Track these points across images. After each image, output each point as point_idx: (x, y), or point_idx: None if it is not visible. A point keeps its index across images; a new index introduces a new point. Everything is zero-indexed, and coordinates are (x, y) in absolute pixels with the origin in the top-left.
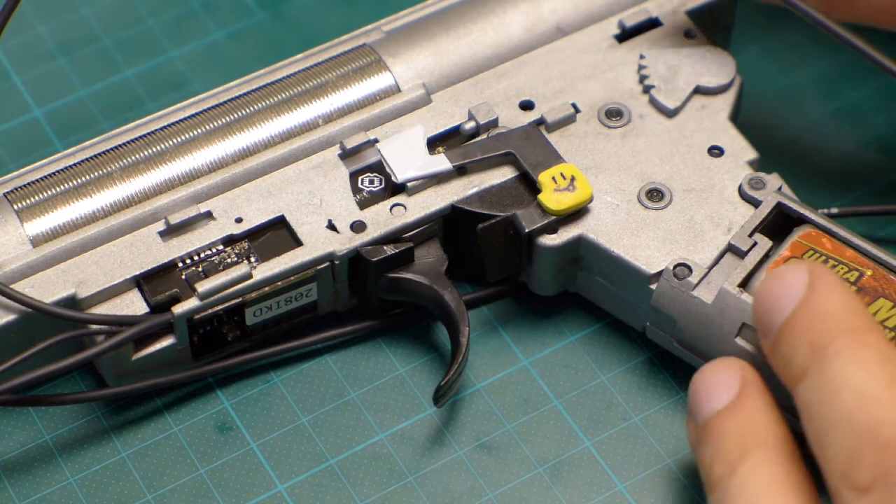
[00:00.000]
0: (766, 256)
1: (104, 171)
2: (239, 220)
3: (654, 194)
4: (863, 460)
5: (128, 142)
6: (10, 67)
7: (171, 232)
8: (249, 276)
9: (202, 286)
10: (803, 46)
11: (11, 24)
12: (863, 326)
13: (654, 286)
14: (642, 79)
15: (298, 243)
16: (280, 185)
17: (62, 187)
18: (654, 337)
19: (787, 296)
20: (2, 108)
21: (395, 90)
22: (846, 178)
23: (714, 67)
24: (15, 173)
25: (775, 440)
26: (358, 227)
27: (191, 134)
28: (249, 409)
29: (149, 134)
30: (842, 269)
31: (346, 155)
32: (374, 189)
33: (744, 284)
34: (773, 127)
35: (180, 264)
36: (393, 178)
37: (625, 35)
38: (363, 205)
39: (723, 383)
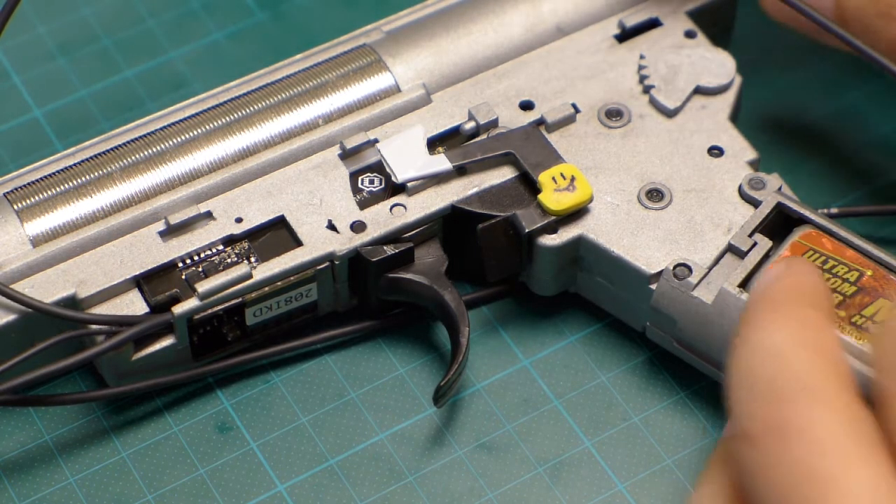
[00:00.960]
0: (766, 256)
1: (104, 171)
2: (239, 220)
3: (654, 194)
4: (757, 409)
5: (128, 142)
6: (10, 67)
7: (171, 232)
8: (249, 276)
9: (202, 286)
10: (803, 46)
11: (11, 24)
12: (819, 310)
13: (654, 286)
14: (642, 79)
15: (298, 243)
16: (280, 185)
17: (62, 187)
18: (654, 337)
19: (774, 275)
20: (2, 108)
21: (395, 90)
22: (846, 178)
23: (714, 67)
24: (15, 173)
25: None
26: (358, 227)
27: (191, 134)
28: (249, 409)
29: (149, 134)
30: (842, 269)
31: (346, 155)
32: (374, 189)
33: (744, 285)
34: (773, 127)
35: (180, 264)
36: (393, 178)
37: (625, 35)
38: (363, 205)
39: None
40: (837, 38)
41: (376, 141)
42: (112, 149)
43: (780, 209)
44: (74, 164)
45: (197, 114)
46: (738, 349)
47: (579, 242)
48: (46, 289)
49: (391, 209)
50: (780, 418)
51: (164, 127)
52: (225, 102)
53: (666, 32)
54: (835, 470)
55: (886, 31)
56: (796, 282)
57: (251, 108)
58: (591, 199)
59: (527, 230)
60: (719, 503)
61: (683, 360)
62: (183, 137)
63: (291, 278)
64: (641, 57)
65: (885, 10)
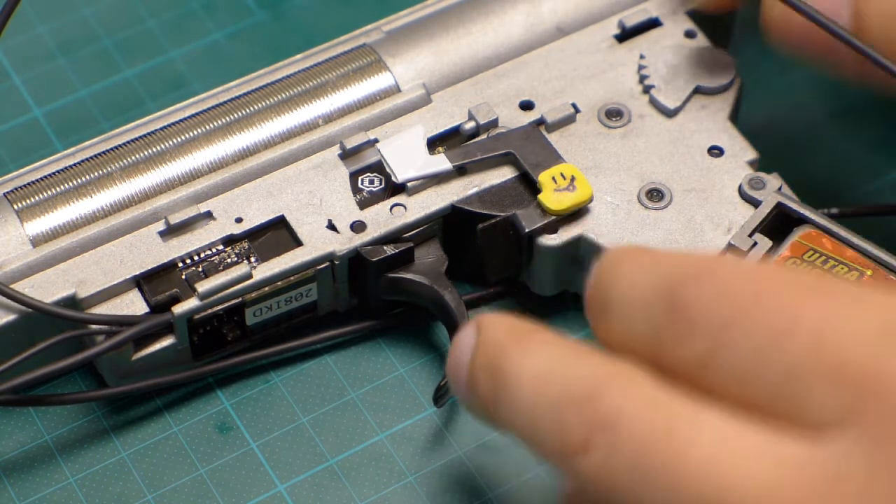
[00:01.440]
0: (767, 256)
1: (104, 171)
2: (239, 220)
3: (654, 194)
4: (569, 422)
5: (128, 142)
6: (10, 67)
7: (171, 232)
8: (249, 276)
9: (202, 286)
10: None
11: (11, 24)
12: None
13: None
14: (642, 79)
15: (298, 243)
16: (280, 185)
17: (62, 187)
18: None
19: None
20: (2, 108)
21: (395, 90)
22: (846, 178)
23: (714, 67)
24: (15, 173)
25: (519, 331)
26: (358, 227)
27: (191, 134)
28: (249, 409)
29: (149, 134)
30: (842, 269)
31: (346, 155)
32: (374, 189)
33: None
34: (773, 127)
35: (180, 264)
36: (393, 178)
37: (625, 35)
38: (363, 205)
39: (463, 347)
40: (850, 49)
41: (376, 141)
42: (112, 149)
43: (780, 209)
44: (74, 164)
45: (197, 114)
46: (509, 395)
47: (579, 242)
48: (46, 289)
49: (391, 209)
50: (593, 415)
51: (164, 127)
52: (225, 102)
53: (666, 32)
54: (674, 424)
55: None
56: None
57: (251, 108)
58: (591, 199)
59: (527, 230)
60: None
61: None
62: (183, 137)
63: (291, 278)
64: (641, 57)
65: None
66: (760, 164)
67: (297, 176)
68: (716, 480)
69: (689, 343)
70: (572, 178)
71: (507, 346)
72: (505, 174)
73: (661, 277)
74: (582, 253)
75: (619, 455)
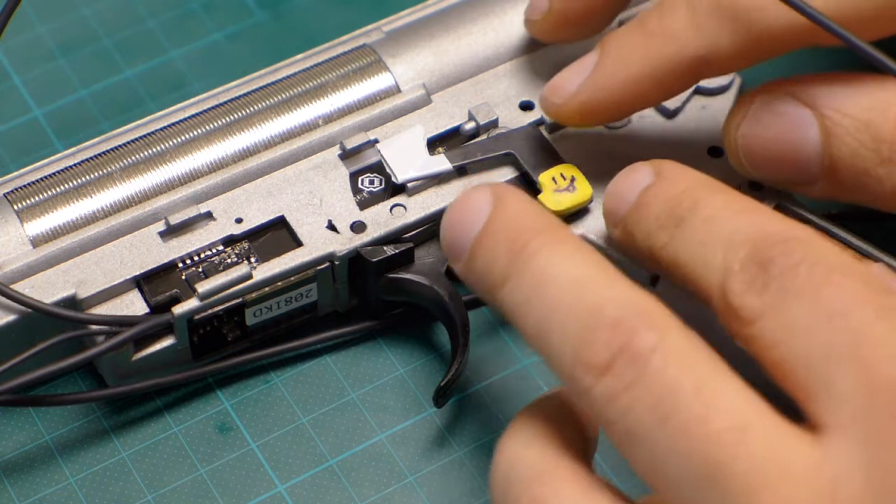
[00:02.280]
0: None
1: (104, 171)
2: (239, 221)
3: None
4: (595, 341)
5: (128, 142)
6: (10, 67)
7: (171, 232)
8: (249, 276)
9: (202, 286)
10: None
11: (11, 24)
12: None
13: (653, 286)
14: None
15: (298, 244)
16: (280, 185)
17: (62, 188)
18: None
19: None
20: (2, 108)
21: (395, 90)
22: None
23: None
24: (15, 173)
25: (553, 222)
26: (358, 227)
27: (191, 134)
28: (249, 409)
29: (149, 134)
30: None
31: (346, 155)
32: (374, 189)
33: None
34: None
35: (180, 265)
36: (393, 179)
37: None
38: (363, 205)
39: (474, 209)
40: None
41: (376, 141)
42: (112, 149)
43: (779, 209)
44: (74, 165)
45: (197, 114)
46: (524, 289)
47: None
48: (46, 289)
49: (391, 209)
50: (624, 343)
51: (164, 127)
52: (225, 103)
53: None
54: (702, 384)
55: (891, 179)
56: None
57: (251, 109)
58: (591, 200)
59: None
60: (537, 445)
61: None
62: (183, 138)
63: (291, 278)
64: None
65: (888, 155)
66: None
67: (297, 176)
68: (730, 453)
69: (757, 295)
70: (572, 179)
71: (538, 233)
72: (505, 174)
73: (752, 227)
74: None
75: (640, 393)
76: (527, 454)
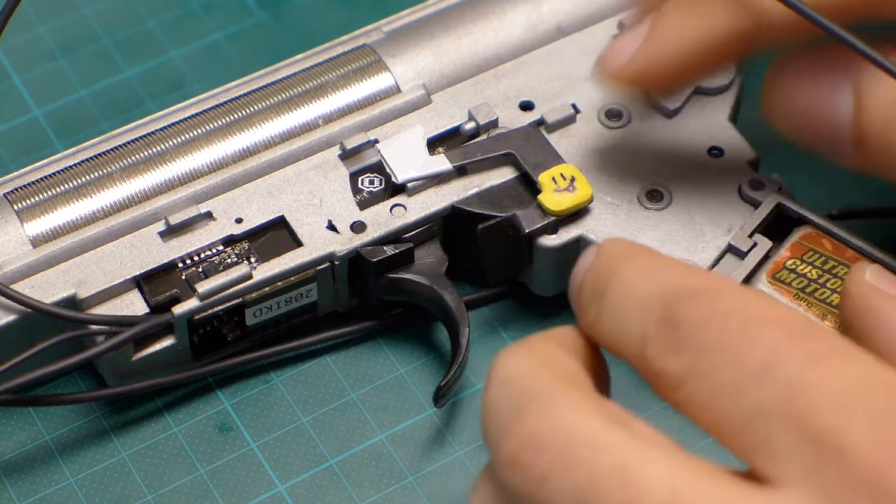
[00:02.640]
0: (766, 257)
1: (104, 171)
2: (239, 221)
3: (654, 195)
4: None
5: (128, 142)
6: (10, 67)
7: (171, 232)
8: (249, 276)
9: (202, 286)
10: None
11: (11, 24)
12: (635, 252)
13: None
14: None
15: (298, 244)
16: (280, 185)
17: (62, 188)
18: None
19: (584, 262)
20: (2, 108)
21: (395, 90)
22: (846, 179)
23: None
24: (15, 173)
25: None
26: (358, 227)
27: (191, 134)
28: (249, 409)
29: (149, 134)
30: (842, 269)
31: (346, 155)
32: (374, 189)
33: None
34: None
35: (180, 265)
36: (393, 179)
37: None
38: (363, 205)
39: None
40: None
41: (376, 141)
42: (112, 149)
43: (780, 209)
44: (74, 165)
45: (197, 114)
46: (484, 391)
47: (579, 243)
48: (46, 289)
49: (391, 209)
50: (534, 429)
51: (164, 127)
52: (225, 103)
53: None
54: (614, 459)
55: None
56: (607, 247)
57: (251, 109)
58: (591, 200)
59: (527, 231)
60: (552, 362)
61: None
62: (183, 138)
63: (291, 279)
64: None
65: None
66: (760, 165)
67: (297, 176)
68: None
69: (674, 357)
70: (572, 179)
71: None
72: (505, 175)
73: (662, 286)
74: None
75: (549, 479)
76: (535, 369)
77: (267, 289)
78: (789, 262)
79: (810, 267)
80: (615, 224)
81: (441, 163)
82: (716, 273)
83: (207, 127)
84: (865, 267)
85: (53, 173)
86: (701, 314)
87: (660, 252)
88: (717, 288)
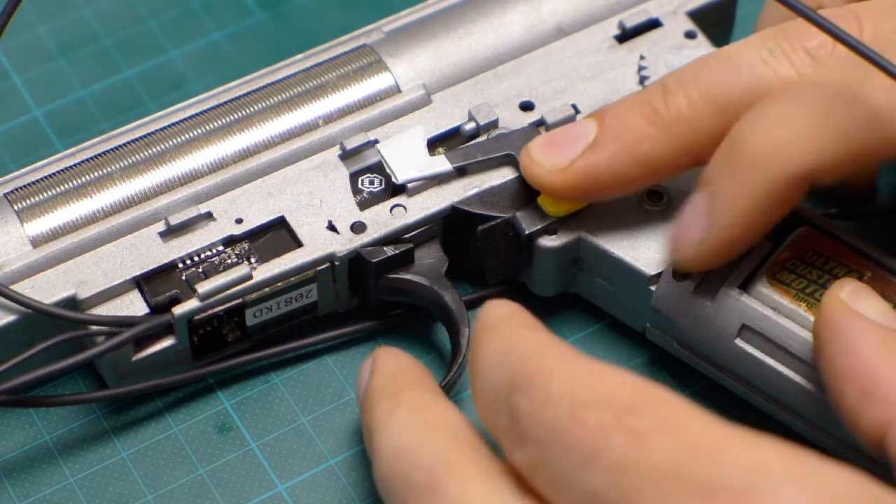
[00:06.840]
0: (766, 257)
1: (104, 171)
2: (239, 221)
3: (654, 195)
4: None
5: (128, 142)
6: (10, 67)
7: (171, 232)
8: (250, 276)
9: (202, 287)
10: None
11: (11, 24)
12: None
13: (654, 287)
14: (642, 79)
15: (299, 244)
16: (280, 185)
17: (62, 188)
18: (655, 338)
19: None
20: (2, 108)
21: (395, 90)
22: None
23: None
24: (15, 173)
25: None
26: (358, 227)
27: (191, 134)
28: (249, 410)
29: (149, 134)
30: (841, 270)
31: (346, 156)
32: (374, 190)
33: (744, 286)
34: None
35: (180, 265)
36: (393, 179)
37: (625, 35)
38: (363, 205)
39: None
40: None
41: (376, 141)
42: (112, 149)
43: None
44: (74, 165)
45: (197, 114)
46: (373, 458)
47: (579, 243)
48: (46, 289)
49: (391, 210)
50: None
51: (164, 127)
52: (225, 103)
53: (666, 33)
54: None
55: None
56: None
57: (251, 109)
58: None
59: (527, 231)
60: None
61: (683, 361)
62: (183, 138)
63: (291, 279)
64: (641, 58)
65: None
66: None
67: (297, 177)
68: None
69: (521, 451)
70: None
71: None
72: (505, 175)
73: (505, 375)
74: (582, 254)
75: None
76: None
77: (267, 289)
78: (789, 263)
79: (810, 267)
80: (615, 225)
81: (441, 163)
82: (554, 344)
83: (207, 127)
84: (847, 284)
85: (53, 173)
86: (535, 404)
87: (520, 314)
88: (550, 369)
